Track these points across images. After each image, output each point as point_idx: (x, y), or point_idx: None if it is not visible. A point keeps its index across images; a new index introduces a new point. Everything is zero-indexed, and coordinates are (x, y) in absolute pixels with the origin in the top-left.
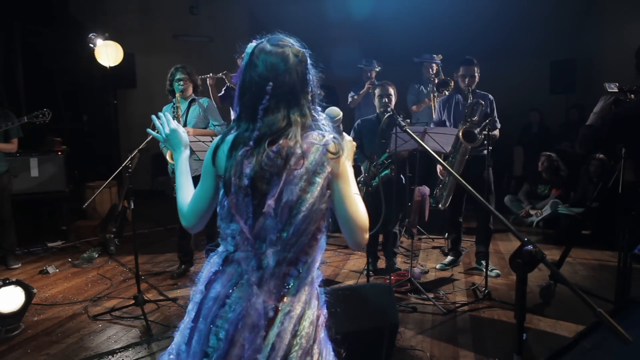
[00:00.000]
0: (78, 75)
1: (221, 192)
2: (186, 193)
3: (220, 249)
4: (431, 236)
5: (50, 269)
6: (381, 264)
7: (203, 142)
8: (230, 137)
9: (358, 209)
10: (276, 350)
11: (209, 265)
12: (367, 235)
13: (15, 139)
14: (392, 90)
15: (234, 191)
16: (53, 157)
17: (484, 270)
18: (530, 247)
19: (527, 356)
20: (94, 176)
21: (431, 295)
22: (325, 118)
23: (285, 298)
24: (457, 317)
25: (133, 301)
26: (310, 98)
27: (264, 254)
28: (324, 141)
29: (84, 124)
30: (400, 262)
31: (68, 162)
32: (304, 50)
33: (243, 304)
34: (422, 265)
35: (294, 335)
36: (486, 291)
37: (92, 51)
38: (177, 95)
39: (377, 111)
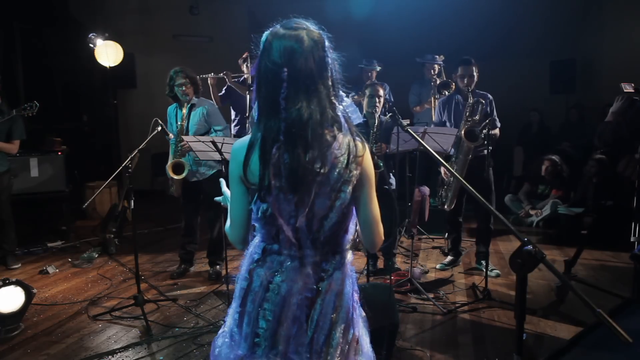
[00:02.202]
0: (78, 75)
1: (255, 197)
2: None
3: (256, 240)
4: (431, 236)
5: (50, 269)
6: (381, 264)
7: (203, 142)
8: (258, 144)
9: (378, 212)
10: (320, 326)
11: (249, 255)
12: (383, 237)
13: (17, 141)
14: (382, 92)
15: (275, 194)
16: (53, 157)
17: (484, 270)
18: (530, 247)
19: (527, 356)
20: (94, 176)
21: (431, 295)
22: (346, 102)
23: (323, 280)
24: (457, 317)
25: (133, 301)
26: (330, 84)
27: (301, 249)
28: (350, 148)
29: (84, 124)
30: (400, 262)
31: (68, 162)
32: (321, 32)
33: (286, 287)
34: (422, 265)
35: (334, 310)
36: (486, 291)
37: (92, 51)
38: (184, 107)
39: (364, 111)
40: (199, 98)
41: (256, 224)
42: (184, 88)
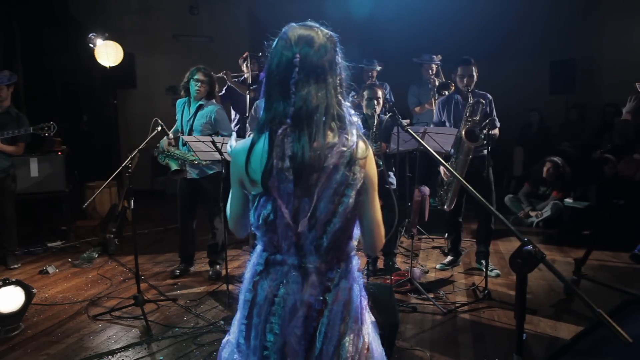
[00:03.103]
0: (78, 75)
1: (255, 203)
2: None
3: (258, 248)
4: (431, 236)
5: (50, 269)
6: (381, 264)
7: (203, 142)
8: (266, 131)
9: (380, 214)
10: (329, 337)
11: (251, 265)
12: (384, 240)
13: (22, 143)
14: (380, 93)
15: (275, 174)
16: (53, 157)
17: (484, 270)
18: (530, 247)
19: (527, 356)
20: (94, 176)
21: (431, 295)
22: (350, 107)
23: (330, 289)
24: (457, 317)
25: (133, 301)
26: (338, 82)
27: (305, 257)
28: (351, 148)
29: (84, 124)
30: (400, 262)
31: (68, 162)
32: (333, 34)
33: (291, 299)
34: (422, 265)
35: (343, 320)
36: (486, 291)
37: (92, 51)
38: (200, 106)
39: (364, 112)
40: (210, 100)
41: (257, 232)
42: (199, 85)
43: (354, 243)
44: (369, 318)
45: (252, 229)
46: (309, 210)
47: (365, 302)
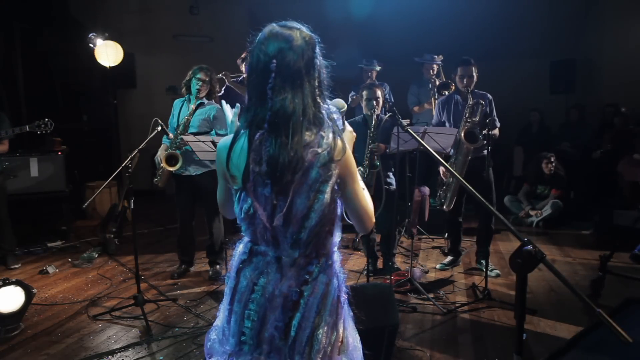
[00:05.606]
0: (78, 75)
1: (236, 196)
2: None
3: (245, 238)
4: (431, 236)
5: (50, 269)
6: (381, 264)
7: (203, 142)
8: (246, 132)
9: (367, 202)
10: (303, 328)
11: (237, 254)
12: (374, 220)
13: (6, 140)
14: (379, 92)
15: (252, 178)
16: (53, 157)
17: (484, 270)
18: (530, 247)
19: (527, 356)
20: (94, 176)
21: (431, 295)
22: (330, 108)
23: (308, 282)
24: (457, 317)
25: (133, 301)
26: (317, 84)
27: (282, 251)
28: (327, 147)
29: (84, 124)
30: (400, 262)
31: (68, 162)
32: (312, 35)
33: (270, 288)
34: (422, 265)
35: (318, 313)
36: (486, 291)
37: (92, 51)
38: (194, 103)
39: (364, 112)
40: (210, 100)
41: (241, 225)
42: (200, 84)
43: (336, 240)
44: (348, 313)
45: (238, 221)
46: (284, 207)
47: (344, 297)
